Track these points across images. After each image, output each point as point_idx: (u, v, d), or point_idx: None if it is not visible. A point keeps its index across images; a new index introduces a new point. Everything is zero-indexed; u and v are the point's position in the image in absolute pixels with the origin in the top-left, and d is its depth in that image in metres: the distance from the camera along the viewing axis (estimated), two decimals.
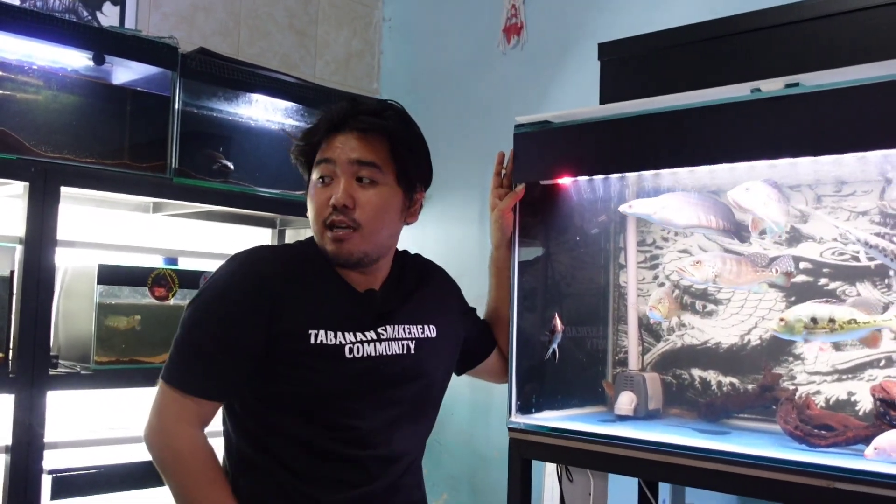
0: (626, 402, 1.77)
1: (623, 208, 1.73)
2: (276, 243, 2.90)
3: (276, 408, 1.50)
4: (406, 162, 1.56)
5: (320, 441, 1.50)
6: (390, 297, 1.62)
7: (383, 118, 1.55)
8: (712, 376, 1.78)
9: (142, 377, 2.20)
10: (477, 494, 2.82)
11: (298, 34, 3.07)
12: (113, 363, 2.15)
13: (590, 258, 1.94)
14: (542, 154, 1.76)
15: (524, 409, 1.77)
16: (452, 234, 2.92)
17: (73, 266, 2.20)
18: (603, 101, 1.90)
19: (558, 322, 1.76)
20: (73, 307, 2.17)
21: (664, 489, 2.15)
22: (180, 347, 1.47)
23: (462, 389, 2.85)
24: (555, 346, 1.76)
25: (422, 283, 1.70)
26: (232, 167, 2.36)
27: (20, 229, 1.99)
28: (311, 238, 1.59)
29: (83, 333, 2.15)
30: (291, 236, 2.95)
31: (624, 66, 1.93)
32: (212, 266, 2.38)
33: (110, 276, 2.15)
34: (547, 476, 2.08)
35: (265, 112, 2.49)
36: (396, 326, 1.61)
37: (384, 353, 1.57)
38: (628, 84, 1.89)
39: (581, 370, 1.92)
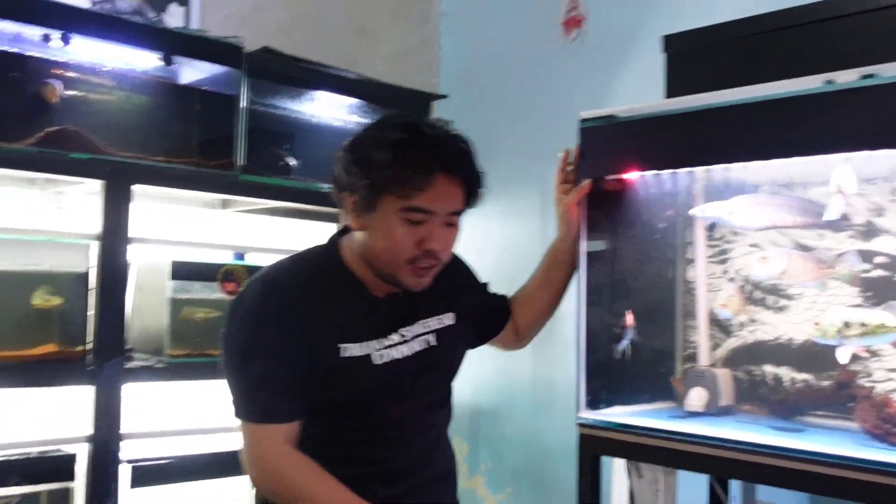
0: (696, 398, 1.76)
1: (694, 212, 1.72)
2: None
3: (311, 411, 1.54)
4: (476, 202, 1.58)
5: (350, 433, 1.57)
6: (411, 298, 1.62)
7: (471, 160, 1.54)
8: (785, 373, 1.75)
9: (213, 370, 2.24)
10: (540, 488, 2.82)
11: (356, 31, 3.09)
12: (185, 356, 2.21)
13: (657, 253, 1.92)
14: (608, 149, 1.74)
15: (593, 404, 1.77)
16: (512, 230, 2.93)
17: (145, 262, 2.26)
18: (669, 94, 1.88)
19: (630, 318, 1.76)
20: (147, 302, 2.23)
21: (735, 486, 2.13)
22: (241, 383, 1.51)
23: (524, 384, 2.87)
24: (627, 341, 1.76)
25: (444, 274, 1.66)
26: (296, 164, 2.40)
27: (96, 227, 2.06)
28: (325, 247, 1.61)
29: (157, 327, 2.21)
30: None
31: (691, 58, 1.90)
32: (276, 260, 2.44)
33: (183, 271, 2.21)
34: (615, 472, 2.07)
35: (327, 109, 2.52)
36: (418, 323, 1.64)
37: (409, 354, 1.61)
38: (695, 77, 1.86)
39: (649, 366, 1.91)
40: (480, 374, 2.88)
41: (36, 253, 2.01)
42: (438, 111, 2.77)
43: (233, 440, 2.41)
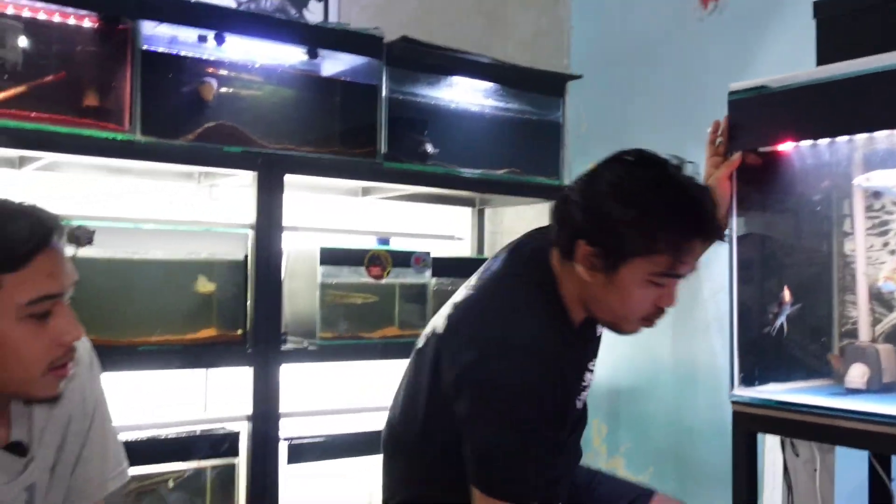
0: (857, 374, 1.69)
1: (859, 181, 1.65)
2: (476, 225, 2.98)
3: None
4: None
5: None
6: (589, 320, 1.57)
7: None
8: None
9: (363, 351, 2.34)
10: (683, 468, 2.78)
11: (487, 17, 3.11)
12: (336, 339, 2.29)
13: (811, 226, 1.86)
14: (760, 120, 1.70)
15: (747, 381, 1.73)
16: None
17: (296, 249, 2.34)
18: (820, 62, 1.81)
19: (787, 294, 1.72)
20: (298, 287, 2.32)
21: None
22: (513, 458, 1.38)
23: (665, 364, 2.83)
24: (783, 318, 1.72)
25: None
26: (434, 150, 2.44)
27: (250, 217, 2.15)
28: (545, 290, 1.49)
29: (308, 312, 2.29)
30: (490, 215, 3.02)
31: (843, 23, 1.82)
32: (419, 246, 2.49)
33: (331, 257, 2.28)
34: (768, 450, 2.02)
35: (463, 94, 2.54)
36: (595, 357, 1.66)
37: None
38: (848, 42, 1.79)
39: (805, 342, 1.85)
40: (619, 354, 2.86)
41: (195, 242, 2.11)
42: (571, 92, 2.76)
43: (380, 420, 2.50)
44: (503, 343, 1.41)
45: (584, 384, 1.59)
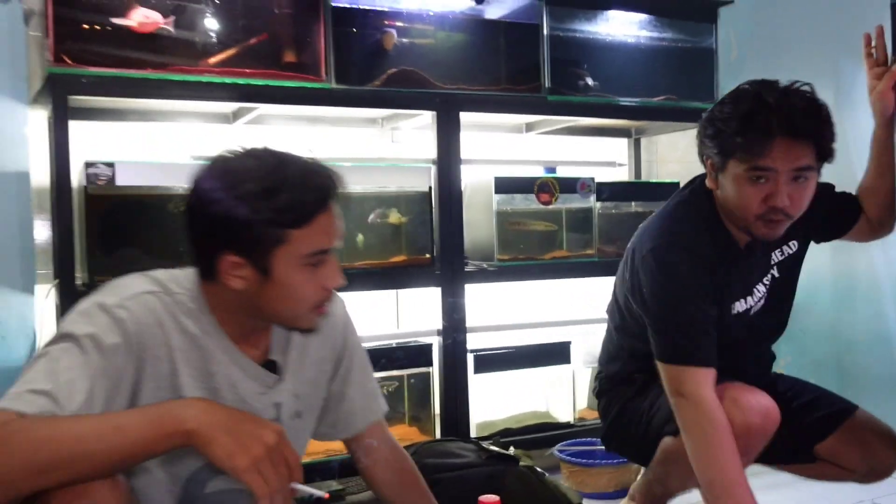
0: None
1: None
2: (633, 154, 2.92)
3: None
4: (830, 157, 1.54)
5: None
6: (766, 243, 1.65)
7: (816, 120, 1.50)
8: None
9: (535, 271, 2.36)
10: (843, 380, 2.66)
11: None
12: (511, 260, 2.33)
13: None
14: None
15: None
16: None
17: (472, 181, 2.38)
18: None
19: None
20: (475, 216, 2.36)
21: None
22: (667, 327, 1.58)
23: (824, 276, 2.70)
24: None
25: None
26: (594, 82, 2.40)
27: (431, 153, 2.21)
28: (701, 204, 1.64)
29: (485, 237, 2.33)
30: (645, 144, 2.95)
31: None
32: (584, 173, 2.48)
33: (504, 185, 2.31)
34: None
35: (619, 27, 2.48)
36: (773, 258, 1.70)
37: (766, 296, 1.69)
38: None
39: None
40: None
41: (385, 178, 2.19)
42: (723, 17, 2.63)
43: (556, 333, 2.54)
44: (669, 243, 1.61)
45: (756, 293, 1.68)
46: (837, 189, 1.77)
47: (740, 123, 1.49)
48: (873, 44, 1.66)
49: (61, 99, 1.78)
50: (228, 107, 2.18)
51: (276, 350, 1.30)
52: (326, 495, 1.10)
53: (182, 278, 1.22)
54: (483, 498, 1.08)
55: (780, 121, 1.47)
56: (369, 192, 2.15)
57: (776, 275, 1.71)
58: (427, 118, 2.22)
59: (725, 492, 1.46)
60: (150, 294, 1.17)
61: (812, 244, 1.77)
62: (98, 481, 0.99)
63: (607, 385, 1.83)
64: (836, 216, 1.76)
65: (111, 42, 1.84)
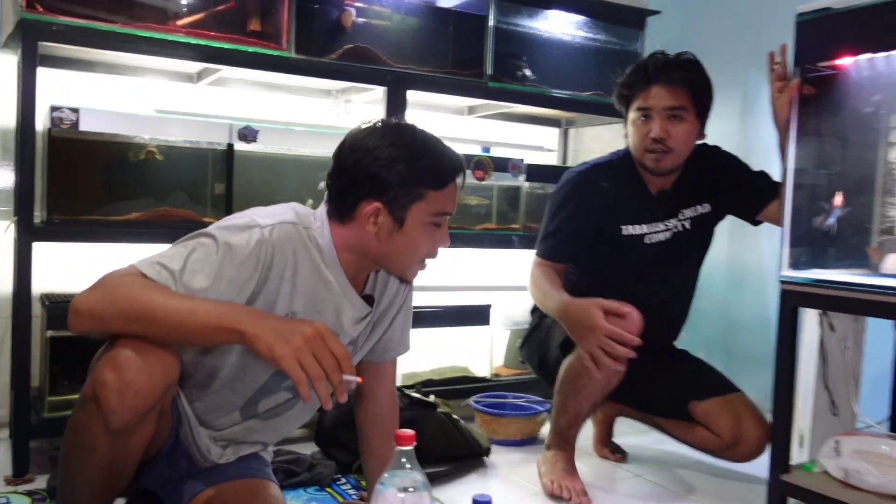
0: (893, 262, 1.73)
1: None
2: (562, 143, 3.04)
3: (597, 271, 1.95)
4: (703, 103, 1.88)
5: (621, 288, 1.86)
6: (678, 193, 1.95)
7: (684, 70, 1.85)
8: None
9: (467, 240, 2.45)
10: (730, 356, 2.85)
11: None
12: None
13: (861, 137, 1.87)
14: (824, 39, 1.71)
15: (794, 266, 1.79)
16: (712, 130, 2.88)
17: None
18: None
19: (840, 198, 1.77)
20: None
21: None
22: (545, 229, 1.95)
23: (720, 262, 2.86)
24: (833, 219, 1.77)
25: (706, 171, 1.97)
26: (531, 74, 2.50)
27: None
28: (624, 153, 1.97)
29: None
30: (573, 135, 3.07)
31: None
32: (515, 154, 2.58)
33: None
34: (807, 330, 2.07)
35: (559, 25, 2.58)
36: (682, 213, 1.97)
37: (669, 238, 1.95)
38: None
39: (846, 238, 1.89)
40: None
41: (334, 145, 2.24)
42: (651, 25, 2.76)
43: (479, 297, 2.64)
44: (573, 169, 2.01)
45: (655, 227, 1.96)
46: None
47: (628, 76, 1.91)
48: (777, 59, 1.81)
49: (31, 44, 1.78)
50: (193, 67, 2.21)
51: (370, 287, 1.45)
52: (359, 379, 1.19)
53: (316, 216, 1.36)
54: (400, 431, 1.17)
55: (654, 69, 1.84)
56: (320, 157, 2.20)
57: (687, 227, 1.97)
58: (378, 93, 2.29)
59: (543, 293, 1.85)
60: (292, 224, 1.31)
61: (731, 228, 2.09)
62: (162, 347, 1.15)
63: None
64: (748, 190, 1.97)
65: None
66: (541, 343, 2.01)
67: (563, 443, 1.90)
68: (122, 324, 1.13)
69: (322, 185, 2.19)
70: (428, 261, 1.40)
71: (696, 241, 2.03)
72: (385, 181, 1.29)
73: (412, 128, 1.36)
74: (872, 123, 1.83)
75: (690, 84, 1.86)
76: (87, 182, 1.91)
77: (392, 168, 1.28)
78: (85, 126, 1.87)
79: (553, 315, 1.82)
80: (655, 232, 1.95)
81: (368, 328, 1.45)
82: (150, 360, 1.13)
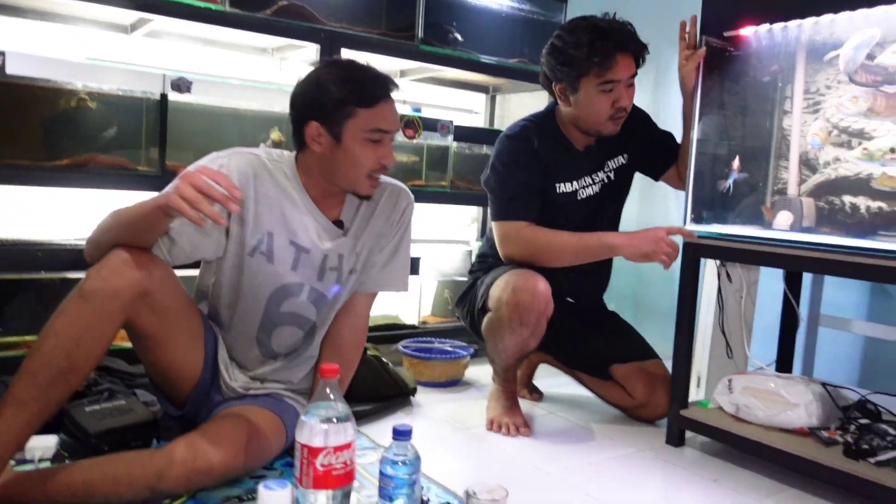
0: (784, 219, 1.76)
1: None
2: (489, 108, 2.99)
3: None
4: (642, 64, 1.82)
5: None
6: (599, 148, 1.90)
7: (637, 39, 1.77)
8: (861, 202, 1.72)
9: None
10: (638, 309, 2.89)
11: None
12: None
13: (759, 105, 1.89)
14: (728, 8, 1.71)
15: (696, 221, 1.80)
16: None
17: None
18: None
19: (737, 162, 1.77)
20: None
21: (804, 303, 2.13)
22: (501, 194, 1.83)
23: (631, 222, 2.88)
24: (731, 181, 1.78)
25: (627, 127, 1.88)
26: (461, 38, 2.44)
27: None
28: (547, 116, 1.90)
29: None
30: (500, 101, 3.02)
31: None
32: (443, 116, 2.52)
33: None
34: (706, 283, 2.11)
35: None
36: (607, 165, 1.93)
37: (598, 191, 1.92)
38: None
39: (743, 197, 1.91)
40: None
41: (269, 100, 2.13)
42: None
43: None
44: (504, 136, 1.90)
45: (584, 182, 1.91)
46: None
47: (590, 49, 1.70)
48: (688, 29, 1.79)
49: None
50: (127, 18, 2.06)
51: (346, 216, 1.51)
52: (237, 194, 1.17)
53: (283, 156, 1.47)
54: (324, 364, 1.12)
55: (618, 43, 1.71)
56: (256, 111, 2.10)
57: (612, 177, 1.93)
58: (312, 51, 2.19)
59: (580, 242, 1.78)
60: (252, 155, 1.43)
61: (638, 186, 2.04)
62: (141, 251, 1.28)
63: (474, 266, 2.05)
64: (656, 150, 1.96)
65: None
66: (470, 303, 1.98)
67: (503, 381, 1.89)
68: (107, 238, 1.27)
69: (262, 144, 2.11)
70: (383, 178, 1.48)
71: (619, 191, 2.00)
72: (319, 102, 1.37)
73: (348, 59, 1.45)
74: (769, 92, 1.85)
75: (639, 51, 1.79)
76: (16, 126, 1.76)
77: (325, 90, 1.36)
78: (12, 70, 1.72)
79: (603, 253, 1.80)
80: (584, 187, 1.91)
81: (352, 254, 1.51)
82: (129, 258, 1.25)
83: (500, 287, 1.78)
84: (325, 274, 1.50)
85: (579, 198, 1.90)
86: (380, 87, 1.38)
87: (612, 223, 2.03)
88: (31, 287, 1.81)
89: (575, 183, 1.89)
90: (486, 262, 1.97)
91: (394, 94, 1.42)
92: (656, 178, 2.01)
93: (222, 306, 1.49)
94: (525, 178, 1.82)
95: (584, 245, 1.78)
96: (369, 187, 1.43)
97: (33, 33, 2.03)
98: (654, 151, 1.97)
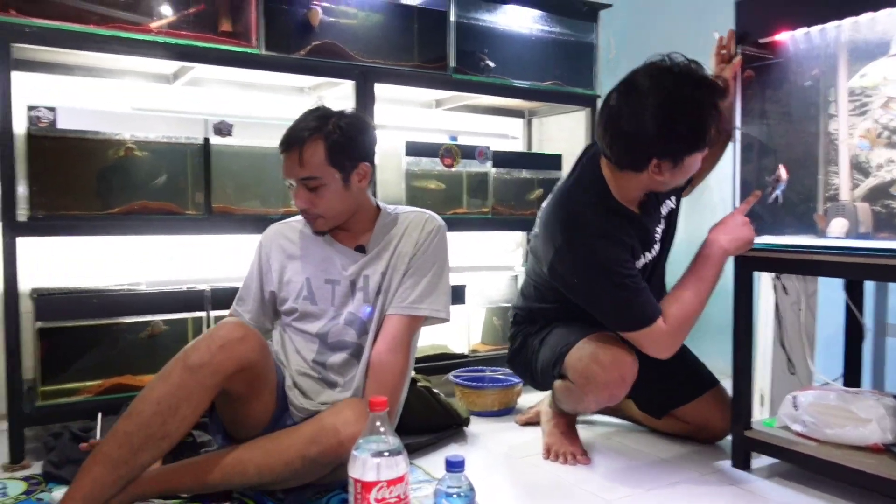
0: (838, 226, 1.70)
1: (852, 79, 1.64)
2: (526, 132, 2.99)
3: None
4: None
5: None
6: (651, 196, 1.72)
7: None
8: None
9: None
10: (695, 326, 2.81)
11: None
12: None
13: (802, 111, 1.84)
14: (760, 17, 1.68)
15: None
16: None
17: (385, 146, 2.38)
18: None
19: (783, 172, 1.73)
20: (387, 175, 2.37)
21: (868, 314, 2.05)
22: (618, 299, 1.60)
23: (680, 237, 2.85)
24: (779, 192, 1.74)
25: None
26: (493, 65, 2.44)
27: None
28: (595, 187, 1.66)
29: (395, 193, 2.35)
30: (536, 125, 3.02)
31: None
32: (482, 142, 2.52)
33: (413, 149, 2.32)
34: (763, 296, 2.05)
35: (517, 19, 2.52)
36: (659, 214, 1.78)
37: (659, 243, 1.79)
38: None
39: (795, 207, 1.86)
40: None
41: None
42: (603, 18, 2.71)
43: (454, 277, 2.56)
44: (578, 234, 1.61)
45: (655, 245, 1.77)
46: None
47: (696, 139, 1.55)
48: (724, 44, 1.76)
49: (4, 47, 1.69)
50: (168, 67, 2.13)
51: (372, 242, 1.64)
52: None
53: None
54: (372, 398, 1.12)
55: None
56: None
57: (665, 226, 1.81)
58: (348, 87, 2.22)
59: (702, 284, 1.67)
60: (279, 224, 1.71)
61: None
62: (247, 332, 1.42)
63: (518, 318, 1.94)
64: None
65: None
66: (527, 363, 1.89)
67: (560, 409, 1.86)
68: None
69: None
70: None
71: (672, 235, 1.89)
72: None
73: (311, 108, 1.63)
74: (812, 97, 1.80)
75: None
76: (68, 178, 1.83)
77: None
78: (63, 124, 1.79)
79: (720, 271, 1.68)
80: (656, 250, 1.79)
81: (376, 274, 1.60)
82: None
83: (582, 360, 1.65)
84: (354, 295, 1.60)
85: (652, 261, 1.78)
86: (283, 141, 1.57)
87: (665, 271, 1.92)
88: (88, 334, 1.86)
89: (652, 250, 1.76)
90: (530, 315, 1.89)
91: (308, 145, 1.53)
92: (683, 191, 1.92)
93: (284, 352, 1.63)
94: (628, 271, 1.60)
95: (707, 283, 1.67)
96: (312, 224, 1.61)
97: (82, 88, 2.12)
98: None
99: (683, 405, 1.88)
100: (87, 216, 1.83)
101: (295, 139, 1.54)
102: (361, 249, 1.63)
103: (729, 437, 1.79)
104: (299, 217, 1.66)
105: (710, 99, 1.54)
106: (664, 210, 1.81)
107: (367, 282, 1.61)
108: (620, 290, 1.58)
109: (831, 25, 1.59)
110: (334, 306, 1.61)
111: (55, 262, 2.07)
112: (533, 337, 1.86)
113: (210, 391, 1.31)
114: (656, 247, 1.78)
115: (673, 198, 1.83)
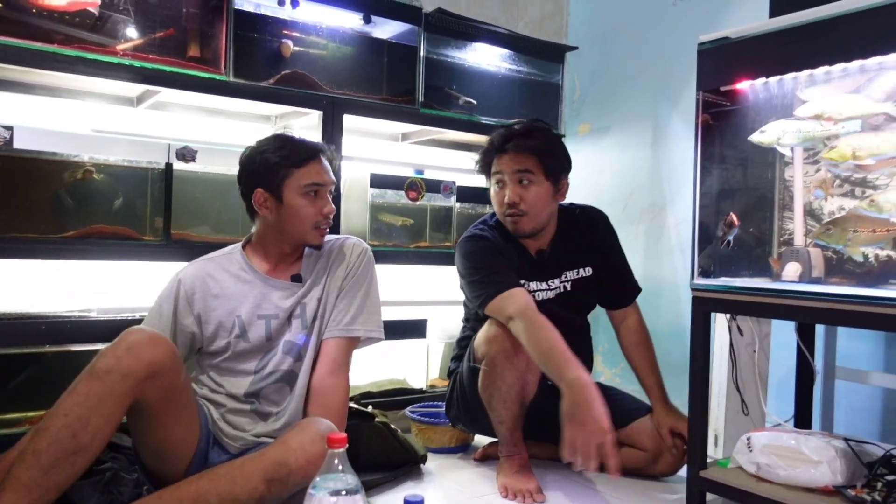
0: (792, 270, 1.74)
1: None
2: None
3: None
4: (552, 169, 1.87)
5: None
6: (558, 254, 1.94)
7: (530, 139, 1.86)
8: (870, 251, 1.71)
9: (402, 257, 2.39)
10: None
11: (502, 1, 3.11)
12: (381, 247, 2.34)
13: (759, 157, 1.90)
14: (722, 65, 1.73)
15: (704, 276, 1.79)
16: (626, 159, 2.91)
17: (350, 177, 2.39)
18: (772, 14, 1.84)
19: (734, 218, 1.77)
20: (352, 206, 2.37)
21: (819, 357, 2.09)
22: (478, 280, 1.82)
23: (637, 277, 2.89)
24: (730, 237, 1.78)
25: (584, 231, 1.98)
26: (475, 102, 2.48)
27: None
28: (495, 221, 1.96)
29: (359, 224, 2.35)
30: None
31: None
32: (447, 177, 2.53)
33: (378, 181, 2.32)
34: (717, 336, 2.08)
35: (485, 58, 2.56)
36: (564, 275, 1.95)
37: (552, 297, 1.93)
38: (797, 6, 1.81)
39: (750, 250, 1.90)
40: None
41: None
42: (570, 60, 2.77)
43: (414, 311, 2.56)
44: (467, 234, 1.95)
45: (544, 286, 1.95)
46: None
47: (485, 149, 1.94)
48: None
49: None
50: (132, 90, 2.10)
51: (305, 270, 1.67)
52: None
53: (235, 247, 1.71)
54: (331, 434, 1.10)
55: (499, 140, 1.89)
56: None
57: (568, 288, 1.94)
58: (315, 118, 2.22)
59: (552, 349, 1.63)
60: (203, 260, 1.69)
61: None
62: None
63: (450, 369, 2.04)
64: (614, 287, 2.06)
65: (24, 14, 1.74)
66: (460, 397, 1.96)
67: (512, 447, 1.85)
68: None
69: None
70: (341, 234, 1.73)
71: (579, 303, 1.99)
72: (259, 171, 1.59)
73: (282, 133, 1.66)
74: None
75: (536, 151, 1.86)
76: (22, 200, 1.77)
77: (263, 160, 1.59)
78: (19, 144, 1.75)
79: (557, 380, 1.58)
80: (541, 290, 1.94)
81: (313, 301, 1.63)
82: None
83: (483, 340, 1.79)
84: (291, 324, 1.63)
85: (537, 298, 1.90)
86: (308, 149, 1.61)
87: (579, 336, 1.97)
88: (34, 361, 1.79)
89: (532, 284, 1.92)
90: (459, 353, 2.02)
91: (326, 157, 1.65)
92: (606, 308, 2.09)
93: (212, 387, 1.62)
94: (501, 260, 1.84)
95: (549, 356, 1.62)
96: (318, 237, 1.64)
97: (41, 108, 2.07)
98: (612, 287, 2.05)
99: (620, 429, 1.89)
100: (40, 239, 1.77)
101: (320, 147, 1.68)
102: (298, 279, 1.66)
103: (683, 474, 1.80)
104: (223, 251, 1.69)
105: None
106: (571, 274, 1.97)
107: (304, 309, 1.63)
108: (481, 268, 1.82)
109: (788, 77, 1.65)
110: (270, 339, 1.62)
111: (3, 286, 1.99)
112: (455, 372, 1.97)
113: (121, 399, 1.22)
114: (544, 292, 1.93)
115: (590, 269, 1.98)
